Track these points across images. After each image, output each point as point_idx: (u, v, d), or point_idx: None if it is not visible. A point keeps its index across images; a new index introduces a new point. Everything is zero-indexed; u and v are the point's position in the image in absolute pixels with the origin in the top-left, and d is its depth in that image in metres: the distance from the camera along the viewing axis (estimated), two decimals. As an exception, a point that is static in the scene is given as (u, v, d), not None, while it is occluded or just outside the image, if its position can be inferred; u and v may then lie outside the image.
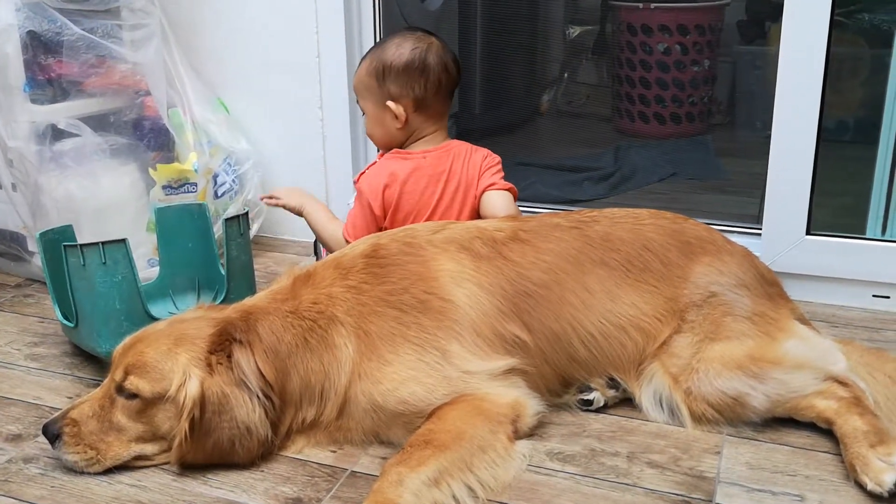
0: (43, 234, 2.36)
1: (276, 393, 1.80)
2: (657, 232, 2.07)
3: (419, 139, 2.35)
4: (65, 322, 2.31)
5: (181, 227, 2.59)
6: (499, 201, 2.30)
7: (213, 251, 2.59)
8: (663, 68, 4.43)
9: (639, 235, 2.06)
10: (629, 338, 1.98)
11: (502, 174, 2.36)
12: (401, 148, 2.35)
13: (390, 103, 2.29)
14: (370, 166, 2.37)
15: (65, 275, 2.20)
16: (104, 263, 2.13)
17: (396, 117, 2.30)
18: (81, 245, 2.14)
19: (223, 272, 2.46)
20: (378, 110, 2.32)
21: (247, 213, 2.44)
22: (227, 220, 2.35)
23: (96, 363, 2.29)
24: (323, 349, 1.85)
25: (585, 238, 2.05)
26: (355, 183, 2.35)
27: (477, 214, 2.33)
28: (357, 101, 2.41)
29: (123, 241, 2.15)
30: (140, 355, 1.80)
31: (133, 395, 1.78)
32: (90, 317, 2.17)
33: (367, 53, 2.35)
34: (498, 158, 2.38)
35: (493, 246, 2.00)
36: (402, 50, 2.28)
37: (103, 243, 2.13)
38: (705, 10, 4.50)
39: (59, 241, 2.29)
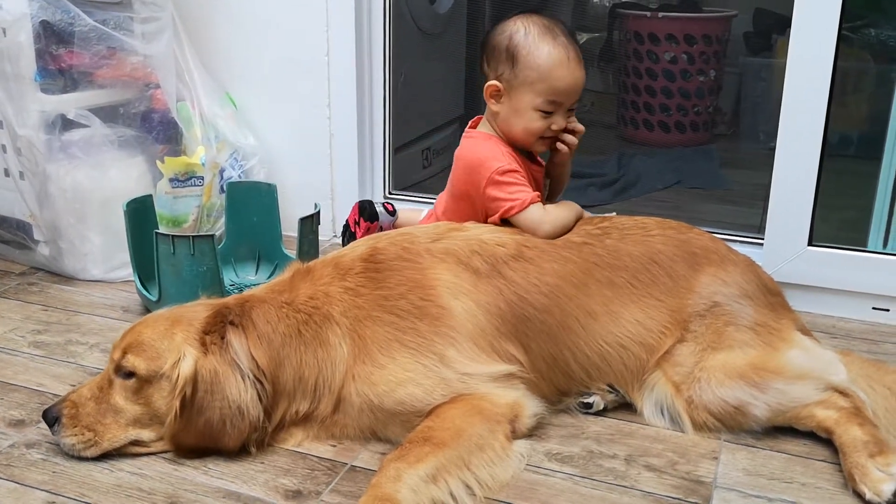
0: (128, 204, 2.54)
1: (268, 379, 1.82)
2: (665, 244, 2.07)
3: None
4: (146, 294, 2.51)
5: (248, 202, 2.82)
6: (524, 224, 2.14)
7: (277, 227, 2.81)
8: (669, 77, 4.45)
9: (648, 249, 2.06)
10: (631, 354, 1.99)
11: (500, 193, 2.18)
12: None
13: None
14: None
15: (142, 240, 2.50)
16: (192, 255, 2.35)
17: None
18: (173, 235, 2.35)
19: (284, 249, 2.77)
20: None
21: (318, 212, 2.60)
22: (302, 218, 2.50)
23: (99, 351, 2.30)
24: (317, 345, 1.86)
25: (595, 257, 2.03)
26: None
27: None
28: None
29: (212, 236, 2.37)
30: (138, 335, 1.83)
31: (130, 374, 1.81)
32: (174, 299, 2.27)
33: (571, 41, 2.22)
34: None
35: (493, 264, 1.97)
36: None
37: (193, 237, 2.36)
38: (712, 20, 4.53)
39: (141, 210, 2.58)
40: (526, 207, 2.12)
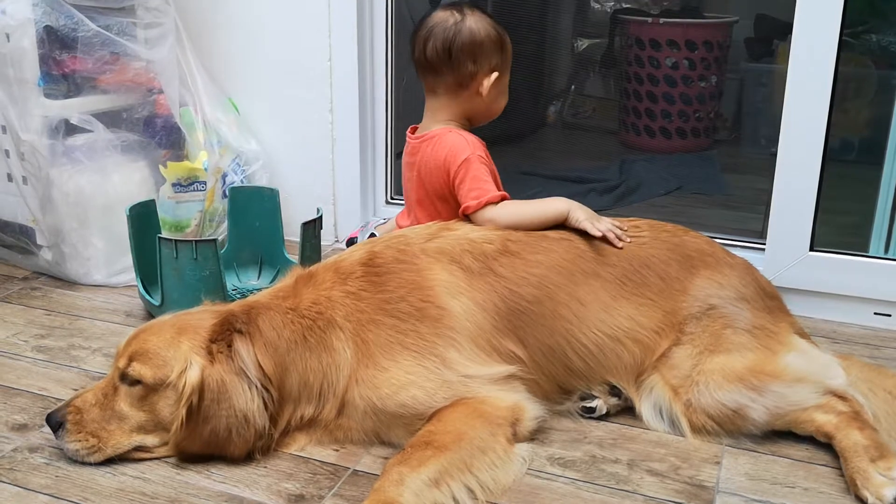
0: (131, 209, 2.56)
1: (274, 386, 1.82)
2: (657, 248, 2.08)
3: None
4: (148, 298, 2.52)
5: (251, 207, 2.83)
6: (477, 223, 2.18)
7: (279, 232, 2.82)
8: (670, 83, 4.46)
9: (637, 252, 2.07)
10: (626, 349, 2.00)
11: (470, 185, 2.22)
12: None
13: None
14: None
15: (145, 245, 2.52)
16: (195, 259, 2.37)
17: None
18: (176, 240, 2.37)
19: (286, 254, 2.78)
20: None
21: (321, 217, 2.60)
22: (304, 223, 2.50)
23: (102, 356, 2.30)
24: (321, 349, 1.87)
25: (577, 250, 2.05)
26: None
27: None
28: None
29: (214, 240, 2.38)
30: (143, 343, 1.83)
31: (136, 382, 1.81)
32: (177, 303, 2.29)
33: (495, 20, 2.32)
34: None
35: (483, 261, 2.00)
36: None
37: (196, 241, 2.37)
38: (714, 26, 4.53)
39: (143, 215, 2.60)
40: (482, 207, 2.17)
